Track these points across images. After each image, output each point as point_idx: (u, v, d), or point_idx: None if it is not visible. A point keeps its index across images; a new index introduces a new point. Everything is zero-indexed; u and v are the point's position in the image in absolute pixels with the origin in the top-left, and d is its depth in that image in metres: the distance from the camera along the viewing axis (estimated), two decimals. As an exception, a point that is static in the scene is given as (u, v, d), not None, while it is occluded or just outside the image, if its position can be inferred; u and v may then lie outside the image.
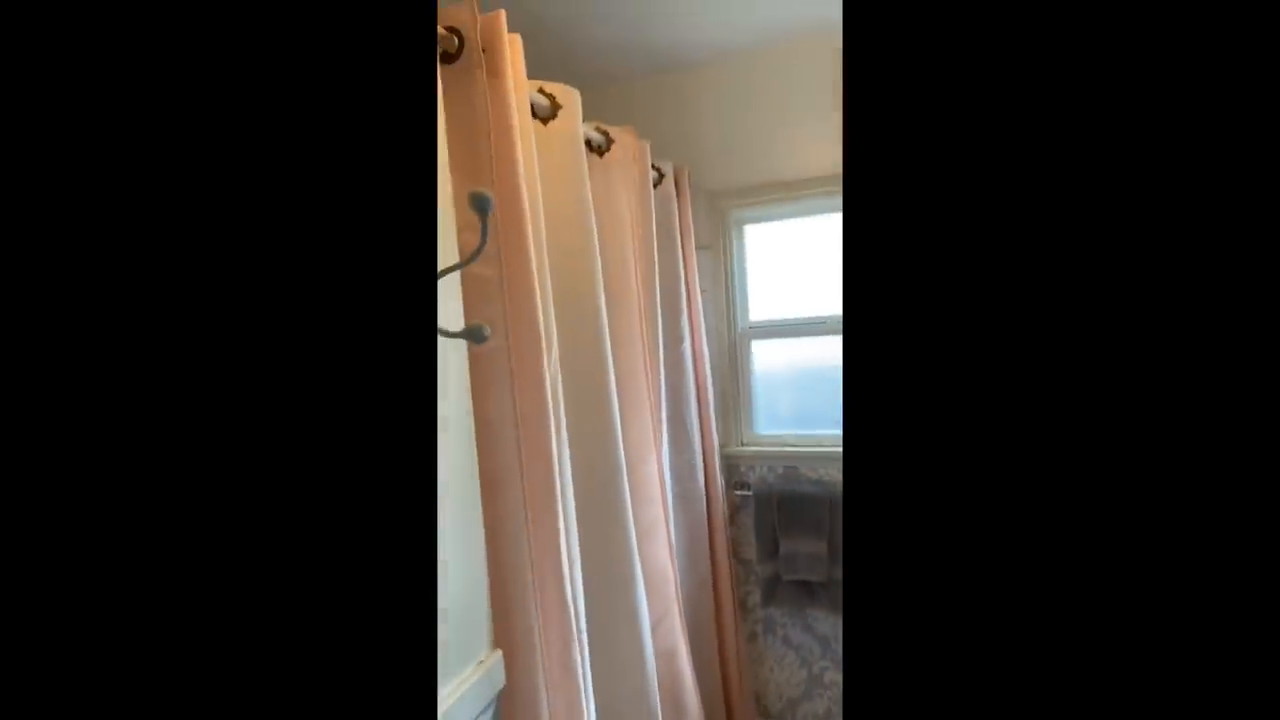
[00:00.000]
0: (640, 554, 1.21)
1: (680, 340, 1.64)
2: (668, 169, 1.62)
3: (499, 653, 0.80)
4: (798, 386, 1.92)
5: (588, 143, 1.28)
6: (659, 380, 1.47)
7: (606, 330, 1.14)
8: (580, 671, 0.89)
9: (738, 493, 1.86)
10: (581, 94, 1.12)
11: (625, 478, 1.16)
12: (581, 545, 0.99)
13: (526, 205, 0.86)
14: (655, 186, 1.55)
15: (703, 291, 1.81)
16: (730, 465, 1.88)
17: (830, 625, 1.80)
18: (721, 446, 1.84)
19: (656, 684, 1.18)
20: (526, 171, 0.88)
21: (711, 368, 1.81)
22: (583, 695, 0.89)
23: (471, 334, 0.70)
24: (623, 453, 1.16)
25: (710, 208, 1.86)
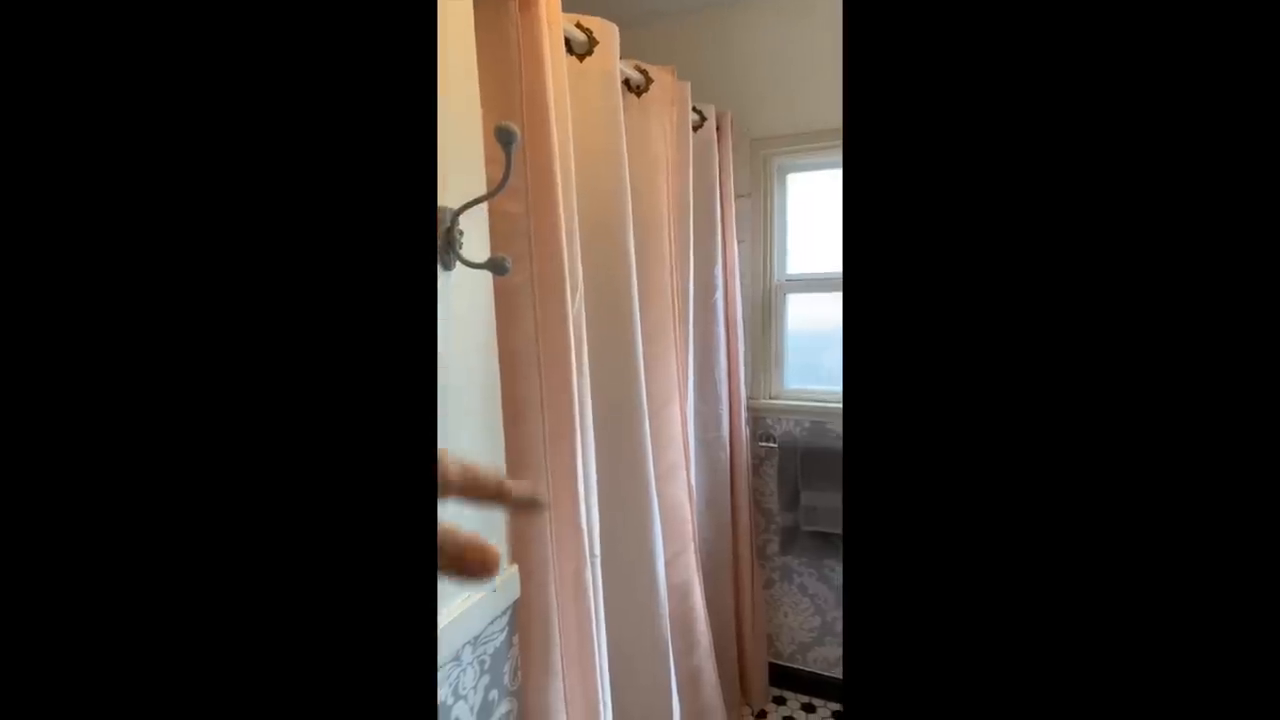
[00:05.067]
0: (659, 494, 1.26)
1: (713, 290, 1.64)
2: (709, 112, 1.58)
3: (514, 567, 0.86)
4: (832, 342, 1.90)
5: (625, 82, 1.26)
6: (687, 328, 1.48)
7: (634, 274, 1.15)
8: (591, 592, 0.95)
9: (763, 444, 1.88)
10: (621, 31, 1.10)
11: (646, 419, 1.19)
12: (601, 479, 1.03)
13: (556, 142, 0.86)
14: (695, 130, 1.52)
15: (740, 241, 1.79)
16: (757, 417, 1.89)
17: (846, 577, 1.84)
18: (750, 399, 1.86)
19: (668, 613, 1.25)
20: (558, 108, 0.89)
21: (744, 319, 1.80)
22: (593, 614, 0.96)
23: (494, 265, 0.73)
24: (645, 395, 1.19)
25: (753, 154, 1.81)
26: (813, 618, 1.92)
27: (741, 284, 1.79)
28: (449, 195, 0.72)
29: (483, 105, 0.79)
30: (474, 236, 0.76)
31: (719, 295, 1.66)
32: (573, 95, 0.97)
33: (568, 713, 0.94)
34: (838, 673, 1.90)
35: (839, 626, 1.88)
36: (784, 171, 1.85)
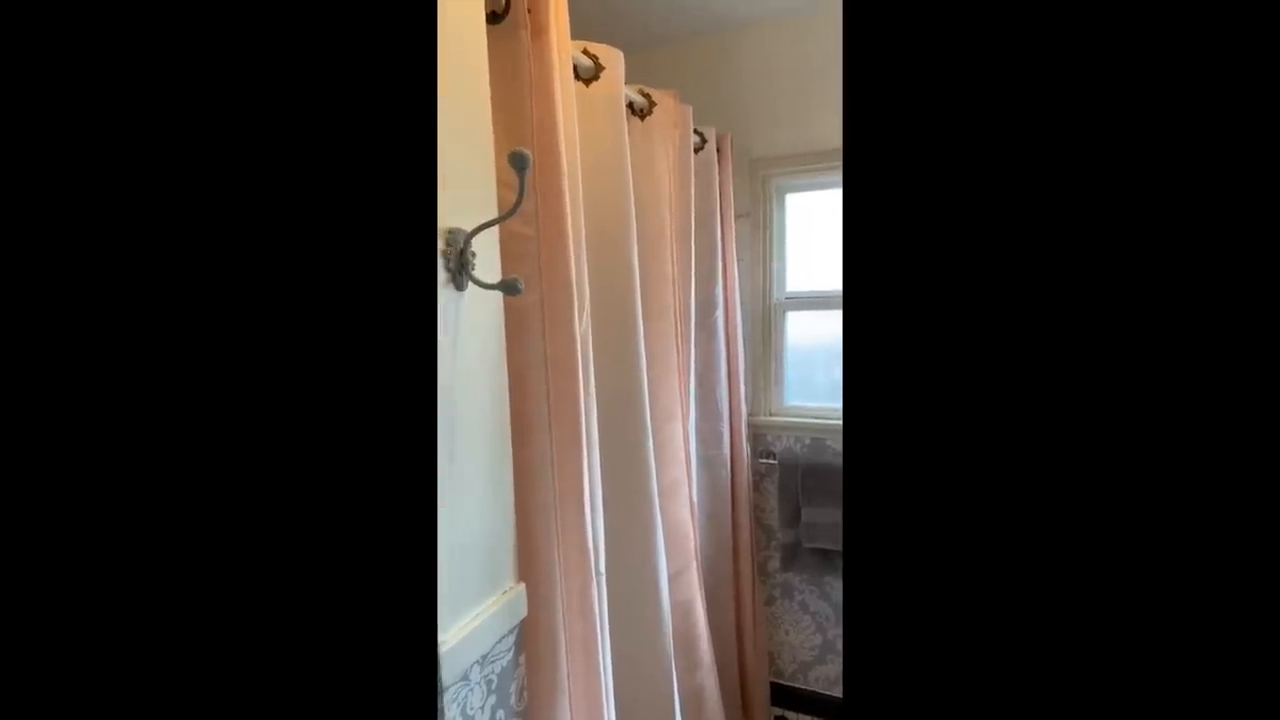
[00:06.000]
0: (661, 511, 1.26)
1: (714, 308, 1.66)
2: (710, 134, 1.61)
3: (523, 585, 0.86)
4: (831, 359, 1.91)
5: (629, 105, 1.29)
6: (689, 346, 1.50)
7: (639, 292, 1.17)
8: (597, 610, 0.95)
9: (763, 461, 1.88)
10: (625, 56, 1.13)
11: (650, 436, 1.20)
12: (605, 496, 1.04)
13: (564, 166, 0.88)
14: (696, 152, 1.55)
15: (740, 260, 1.81)
16: (757, 434, 1.90)
17: (847, 595, 1.83)
18: (750, 416, 1.87)
19: (671, 631, 1.25)
20: (566, 132, 0.91)
21: (744, 337, 1.82)
22: (598, 632, 0.96)
23: (507, 286, 0.75)
24: (649, 413, 1.20)
25: (752, 175, 1.84)
26: (814, 636, 1.91)
27: (741, 302, 1.81)
28: (463, 218, 0.73)
29: (495, 131, 0.81)
30: (485, 258, 0.78)
31: (719, 313, 1.68)
32: (580, 120, 0.99)
33: (573, 733, 0.93)
34: (839, 691, 1.89)
35: (840, 644, 1.88)
36: (783, 192, 1.88)
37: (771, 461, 1.87)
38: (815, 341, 1.92)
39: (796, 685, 1.94)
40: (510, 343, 0.85)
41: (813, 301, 1.88)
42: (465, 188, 0.76)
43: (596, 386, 1.02)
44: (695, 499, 1.50)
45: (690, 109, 1.45)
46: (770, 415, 1.91)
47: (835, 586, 1.85)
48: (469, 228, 0.73)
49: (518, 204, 0.71)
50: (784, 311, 1.90)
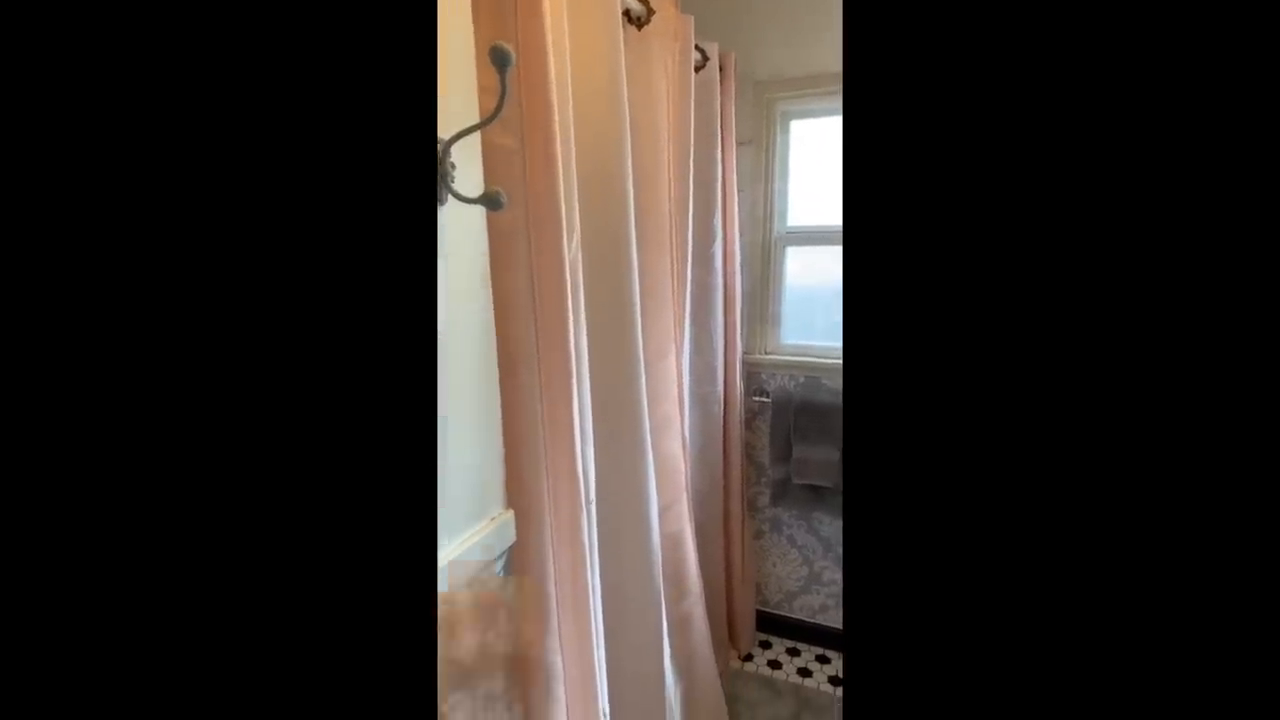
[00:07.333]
0: (653, 444, 1.25)
1: (712, 240, 1.60)
2: (712, 52, 1.50)
3: (511, 512, 0.85)
4: (832, 298, 1.87)
5: (625, 12, 1.18)
6: (685, 278, 1.45)
7: (633, 219, 1.11)
8: (586, 539, 0.95)
9: (756, 399, 1.87)
10: (621, -48, 1.03)
11: (643, 369, 1.17)
12: (596, 428, 1.02)
13: (553, 71, 0.81)
14: (697, 70, 1.44)
15: (740, 190, 1.74)
16: (752, 373, 1.88)
17: (834, 528, 1.87)
18: (745, 353, 1.84)
19: (660, 561, 1.26)
20: (554, 34, 0.83)
21: (742, 272, 1.77)
22: (587, 560, 0.96)
23: (488, 200, 0.69)
24: (641, 345, 1.17)
25: (756, 99, 1.74)
26: (800, 568, 1.96)
27: (741, 234, 1.75)
28: (440, 124, 0.67)
29: (474, 27, 0.73)
30: (466, 171, 0.72)
31: (717, 246, 1.62)
32: (569, 21, 0.91)
33: (562, 654, 0.95)
34: (822, 619, 1.96)
35: (825, 576, 1.93)
36: (788, 118, 1.78)
37: (765, 400, 1.85)
38: (817, 279, 1.87)
39: (781, 613, 2.01)
40: (495, 265, 0.80)
41: (815, 236, 1.82)
42: (442, 91, 0.69)
43: (587, 318, 0.98)
44: (687, 434, 1.49)
45: (691, 20, 1.35)
46: (766, 354, 1.89)
47: (823, 521, 1.89)
48: (446, 136, 0.67)
49: (498, 108, 0.65)
50: (784, 246, 1.84)
